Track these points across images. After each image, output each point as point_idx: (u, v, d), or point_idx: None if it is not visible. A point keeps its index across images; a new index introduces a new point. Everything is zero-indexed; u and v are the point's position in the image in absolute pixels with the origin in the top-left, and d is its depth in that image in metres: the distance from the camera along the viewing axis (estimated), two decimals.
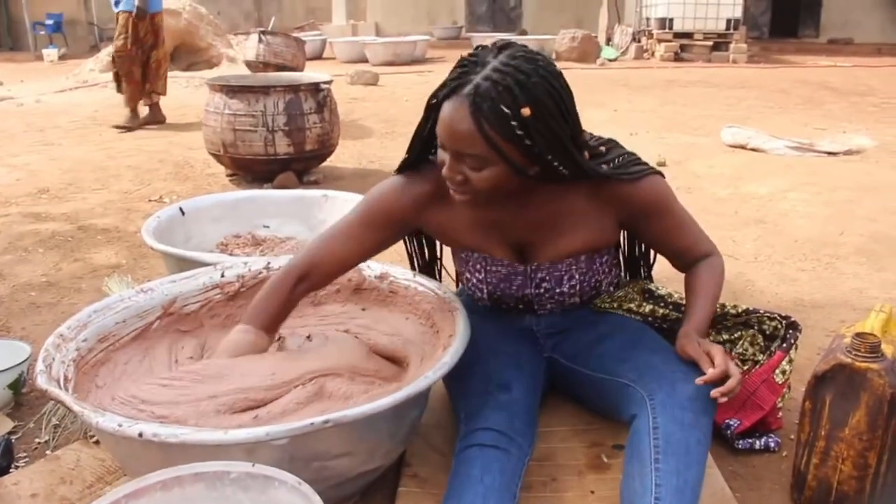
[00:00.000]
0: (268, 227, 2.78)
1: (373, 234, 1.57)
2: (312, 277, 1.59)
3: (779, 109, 6.64)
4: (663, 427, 1.34)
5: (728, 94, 7.52)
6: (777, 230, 3.31)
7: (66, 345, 1.51)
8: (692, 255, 1.62)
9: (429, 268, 1.92)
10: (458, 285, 1.94)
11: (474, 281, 1.65)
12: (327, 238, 1.60)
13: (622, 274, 1.86)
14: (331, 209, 2.77)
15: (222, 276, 1.88)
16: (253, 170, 4.00)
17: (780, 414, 1.73)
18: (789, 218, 3.47)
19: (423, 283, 1.79)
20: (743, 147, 4.96)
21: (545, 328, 1.70)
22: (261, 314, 1.56)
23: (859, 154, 4.77)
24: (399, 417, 1.41)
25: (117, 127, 5.59)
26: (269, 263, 1.92)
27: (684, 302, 1.78)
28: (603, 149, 1.54)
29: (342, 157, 4.57)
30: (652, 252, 1.82)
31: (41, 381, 1.34)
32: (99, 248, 3.09)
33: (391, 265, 1.88)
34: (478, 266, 1.62)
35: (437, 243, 1.88)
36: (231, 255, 2.49)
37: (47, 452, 1.68)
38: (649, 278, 1.88)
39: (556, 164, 1.37)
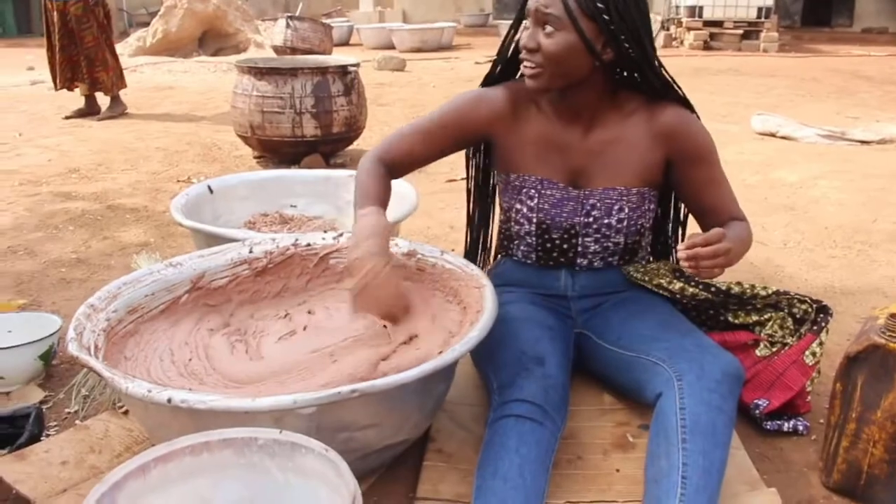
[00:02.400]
0: (295, 206, 2.78)
1: (446, 137, 1.67)
2: (392, 168, 1.70)
3: (810, 98, 6.54)
4: (690, 408, 1.33)
5: (758, 83, 7.41)
6: (807, 217, 3.26)
7: (96, 315, 1.53)
8: (723, 215, 1.64)
9: (482, 189, 1.94)
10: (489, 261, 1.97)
11: (524, 210, 1.66)
12: (404, 135, 1.71)
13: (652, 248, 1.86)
14: None
15: (250, 251, 1.89)
16: (280, 151, 4.02)
17: (810, 398, 1.70)
18: (820, 205, 3.42)
19: (450, 260, 1.78)
20: (773, 135, 4.88)
21: (579, 291, 1.71)
22: (374, 196, 1.61)
23: (894, 143, 4.68)
24: (426, 390, 1.41)
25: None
26: (296, 240, 1.92)
27: (714, 283, 1.77)
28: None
29: (369, 140, 4.57)
30: (680, 231, 1.82)
31: (72, 349, 1.35)
32: (128, 226, 3.12)
33: (419, 244, 1.88)
34: (532, 191, 1.64)
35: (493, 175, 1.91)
36: (258, 232, 2.50)
37: (77, 422, 1.70)
38: (676, 259, 1.87)
39: (628, 48, 1.46)
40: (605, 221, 1.62)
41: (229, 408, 1.18)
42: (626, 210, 1.62)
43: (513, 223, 1.71)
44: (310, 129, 3.89)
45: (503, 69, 1.70)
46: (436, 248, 1.85)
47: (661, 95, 1.59)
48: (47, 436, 1.65)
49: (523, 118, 1.64)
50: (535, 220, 1.66)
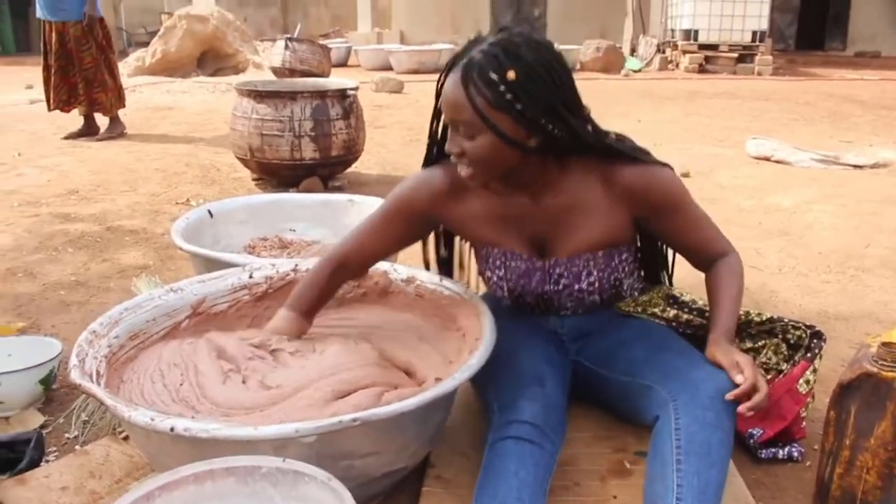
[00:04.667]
0: (294, 230, 2.81)
1: (395, 228, 1.65)
2: (348, 267, 1.70)
3: (804, 122, 6.60)
4: (685, 427, 1.34)
5: (753, 106, 7.48)
6: (801, 242, 3.29)
7: (98, 341, 1.54)
8: (709, 253, 1.63)
9: (446, 264, 1.92)
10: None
11: (495, 279, 1.66)
12: (358, 231, 1.69)
13: (642, 276, 1.86)
14: (357, 214, 2.79)
15: (250, 277, 1.91)
16: (279, 174, 4.04)
17: (804, 424, 1.72)
18: (814, 230, 3.45)
19: (449, 286, 1.81)
20: (767, 159, 4.93)
21: (569, 331, 1.71)
22: (301, 300, 1.67)
23: (886, 167, 4.73)
24: (426, 418, 1.42)
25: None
26: (296, 265, 1.95)
27: (708, 307, 1.78)
28: (613, 136, 1.55)
29: (367, 163, 4.61)
30: (670, 254, 1.82)
31: (75, 375, 1.37)
32: (127, 248, 3.13)
33: (418, 269, 1.90)
34: (497, 262, 1.63)
35: (456, 242, 1.90)
36: (258, 257, 2.51)
37: (77, 447, 1.70)
38: (670, 284, 1.88)
39: (552, 129, 1.40)
40: (576, 287, 1.61)
41: (232, 437, 1.19)
42: (596, 273, 1.60)
43: (488, 284, 1.72)
44: (308, 152, 3.92)
45: (438, 152, 1.62)
46: (434, 274, 1.88)
47: (611, 155, 1.51)
48: (47, 461, 1.65)
49: (467, 196, 1.59)
50: (506, 288, 1.66)
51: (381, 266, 1.90)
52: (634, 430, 1.69)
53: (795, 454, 1.67)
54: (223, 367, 1.54)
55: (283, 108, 3.84)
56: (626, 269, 1.66)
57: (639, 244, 1.78)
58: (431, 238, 1.87)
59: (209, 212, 2.61)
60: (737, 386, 1.36)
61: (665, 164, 1.56)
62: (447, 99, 1.41)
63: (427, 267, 1.93)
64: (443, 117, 1.49)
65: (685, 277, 1.86)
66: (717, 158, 4.95)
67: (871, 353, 1.38)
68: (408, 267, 1.92)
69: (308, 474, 1.06)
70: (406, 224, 1.65)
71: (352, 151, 4.13)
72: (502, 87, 1.35)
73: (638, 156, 1.53)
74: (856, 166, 4.71)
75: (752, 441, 1.67)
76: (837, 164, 4.75)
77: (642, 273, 1.84)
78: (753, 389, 1.34)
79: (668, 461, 1.31)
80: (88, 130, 5.40)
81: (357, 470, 1.36)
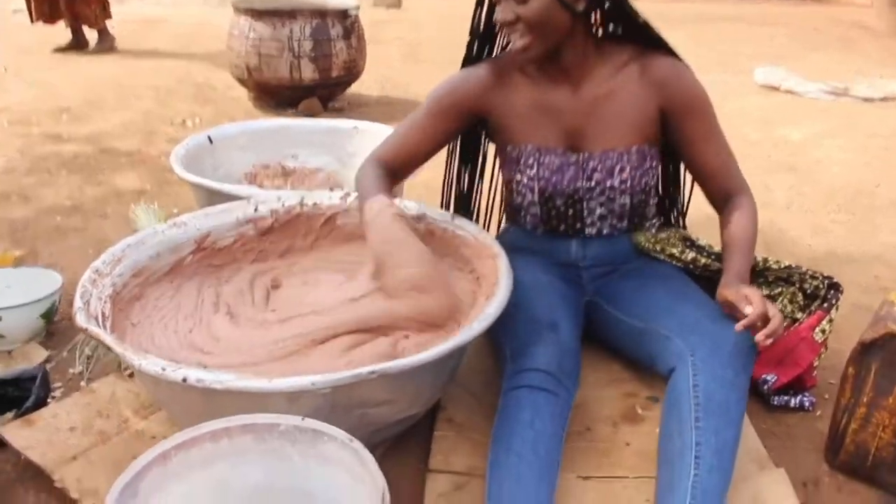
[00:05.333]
0: (296, 157, 2.73)
1: (439, 124, 1.65)
2: (394, 169, 1.68)
3: (812, 49, 6.43)
4: (704, 385, 1.33)
5: (759, 31, 7.27)
6: (811, 177, 3.24)
7: (102, 280, 1.50)
8: (725, 183, 1.60)
9: (465, 202, 1.91)
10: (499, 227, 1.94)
11: (525, 180, 1.64)
12: (401, 131, 1.69)
13: (660, 211, 1.84)
14: (361, 141, 2.72)
15: (255, 210, 1.85)
16: (277, 95, 3.92)
17: (816, 372, 1.71)
18: (823, 165, 3.39)
19: (461, 226, 1.75)
20: (776, 88, 4.82)
21: (591, 261, 1.69)
22: (375, 189, 1.58)
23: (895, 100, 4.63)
24: (440, 368, 1.39)
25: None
26: (302, 199, 1.88)
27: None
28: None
29: (366, 83, 4.47)
30: (687, 189, 1.80)
31: (80, 319, 1.32)
32: (122, 171, 3.05)
33: (428, 207, 1.84)
34: (531, 160, 1.61)
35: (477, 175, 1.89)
36: (260, 186, 2.45)
37: (82, 384, 1.68)
38: (684, 226, 1.85)
39: None
40: (609, 184, 1.59)
41: (246, 388, 1.16)
42: (629, 170, 1.59)
43: (515, 195, 1.69)
44: (308, 73, 3.80)
45: (479, 47, 1.68)
46: (446, 212, 1.82)
47: (648, 43, 1.55)
48: (53, 397, 1.63)
49: (511, 88, 1.61)
50: (537, 190, 1.63)
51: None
52: (645, 375, 1.69)
53: (807, 404, 1.66)
54: (234, 320, 1.52)
55: (281, 28, 3.69)
56: (654, 178, 1.66)
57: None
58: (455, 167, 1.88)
59: (209, 138, 2.52)
60: (745, 317, 1.33)
61: None
62: None
63: (446, 206, 1.89)
64: None
65: (693, 224, 1.82)
66: (725, 86, 4.82)
67: (895, 313, 1.36)
68: (418, 203, 1.86)
69: (328, 434, 1.04)
70: (449, 120, 1.65)
71: (352, 73, 4.00)
72: None
73: (672, 50, 1.56)
74: (865, 99, 4.61)
75: (765, 387, 1.66)
76: (847, 96, 4.65)
77: (661, 204, 1.82)
78: (764, 319, 1.32)
79: (686, 418, 1.30)
80: (77, 44, 5.20)
81: (370, 418, 1.35)
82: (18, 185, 2.85)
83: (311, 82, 3.83)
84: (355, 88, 4.30)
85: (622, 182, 1.59)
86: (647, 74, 1.54)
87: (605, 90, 1.56)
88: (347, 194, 1.87)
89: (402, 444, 1.52)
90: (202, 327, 1.53)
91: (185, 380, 1.17)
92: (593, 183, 1.60)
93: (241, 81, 3.95)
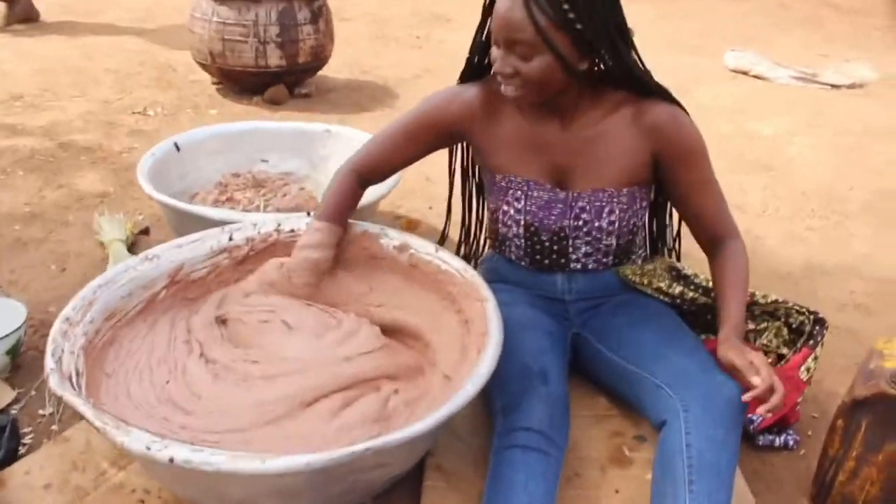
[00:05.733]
0: (266, 161, 2.65)
1: (420, 139, 1.63)
2: (374, 177, 1.71)
3: (780, 29, 6.44)
4: (696, 445, 1.32)
5: (728, 8, 7.25)
6: (784, 179, 3.24)
7: (73, 330, 1.42)
8: (715, 227, 1.58)
9: (465, 175, 1.87)
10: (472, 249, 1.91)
11: (512, 212, 1.60)
12: (380, 139, 1.67)
13: (646, 243, 1.81)
14: (334, 145, 2.65)
15: (230, 238, 1.78)
16: (242, 81, 3.79)
17: (799, 408, 1.72)
18: (796, 165, 3.40)
19: (446, 260, 1.71)
20: (745, 73, 4.82)
21: (577, 295, 1.66)
22: (330, 208, 1.66)
23: (863, 87, 4.67)
24: (434, 432, 1.36)
25: None
26: (279, 225, 1.82)
27: (711, 286, 1.74)
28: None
29: (333, 65, 4.33)
30: (674, 225, 1.77)
31: (54, 384, 1.26)
32: (83, 171, 2.92)
33: (411, 237, 1.79)
34: (518, 193, 1.57)
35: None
36: (231, 198, 2.37)
37: (53, 427, 1.62)
38: (676, 256, 1.83)
39: (604, 53, 1.39)
40: (596, 224, 1.56)
41: (237, 470, 1.12)
42: (618, 212, 1.55)
43: (501, 224, 1.65)
44: (274, 59, 3.67)
45: (477, 68, 1.62)
46: (429, 242, 1.77)
47: (647, 91, 1.50)
48: (24, 445, 1.56)
49: (498, 117, 1.57)
50: (523, 223, 1.60)
51: (371, 229, 1.79)
52: (630, 412, 1.68)
53: (791, 443, 1.68)
54: (211, 368, 1.45)
55: (246, 12, 3.55)
56: (643, 218, 1.64)
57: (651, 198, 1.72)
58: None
59: (175, 145, 2.43)
60: (752, 387, 1.32)
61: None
62: (504, 17, 1.35)
63: (442, 242, 1.85)
64: (494, 36, 1.40)
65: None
66: (695, 70, 4.81)
67: (887, 371, 1.36)
68: (400, 232, 1.81)
69: None
70: (432, 137, 1.63)
71: (320, 58, 3.88)
72: (566, 6, 1.31)
73: (671, 97, 1.51)
74: (833, 85, 4.63)
75: (752, 427, 1.67)
76: (815, 82, 4.67)
77: (648, 236, 1.80)
78: (770, 391, 1.31)
79: (679, 482, 1.30)
80: (27, 14, 4.93)
81: (363, 482, 1.32)
82: None
83: (278, 69, 3.70)
84: (322, 72, 4.17)
85: (610, 224, 1.56)
86: (642, 119, 1.49)
87: (594, 131, 1.52)
88: None
89: (387, 497, 1.48)
90: (179, 378, 1.47)
91: (171, 460, 1.12)
92: (580, 223, 1.56)
93: (204, 67, 3.80)
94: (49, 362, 1.30)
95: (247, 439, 1.29)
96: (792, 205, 2.99)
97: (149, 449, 1.13)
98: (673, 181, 1.55)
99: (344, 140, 2.63)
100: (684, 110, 1.52)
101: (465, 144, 1.80)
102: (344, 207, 1.68)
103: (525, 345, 1.51)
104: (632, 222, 1.59)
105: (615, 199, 1.54)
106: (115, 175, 2.89)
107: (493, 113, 1.57)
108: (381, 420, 1.35)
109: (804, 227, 2.81)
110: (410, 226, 2.63)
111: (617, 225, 1.56)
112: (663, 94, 1.50)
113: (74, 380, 1.32)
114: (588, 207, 1.54)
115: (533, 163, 1.56)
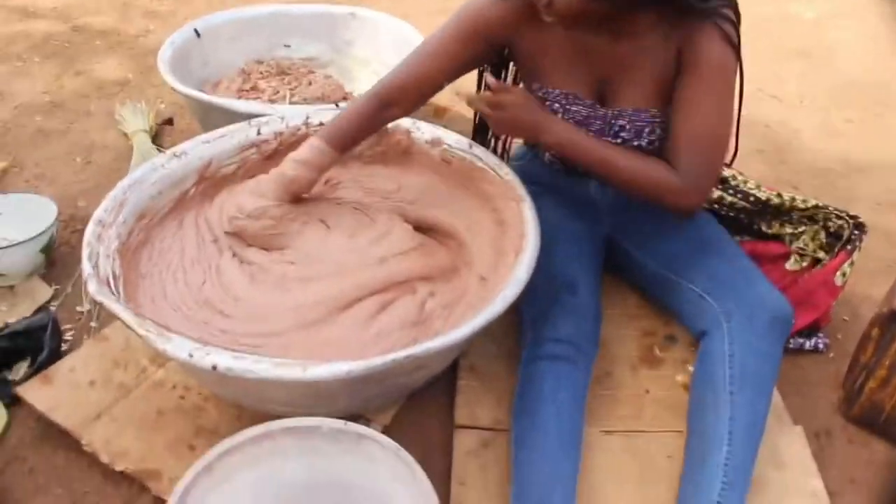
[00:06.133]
0: (289, 46, 2.57)
1: (464, 48, 1.47)
2: (401, 102, 1.52)
3: None
4: (739, 356, 1.32)
5: None
6: (823, 66, 3.11)
7: (106, 232, 1.41)
8: (677, 148, 1.38)
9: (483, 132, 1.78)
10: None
11: None
12: (415, 57, 1.50)
13: None
14: (358, 29, 2.56)
15: (258, 133, 1.75)
16: None
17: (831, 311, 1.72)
18: (835, 52, 3.25)
19: (480, 156, 1.67)
20: None
21: (611, 202, 1.62)
22: (335, 130, 1.51)
23: None
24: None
25: None
26: (307, 118, 1.78)
27: (753, 190, 1.70)
28: None
29: None
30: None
31: (93, 290, 1.25)
32: (100, 56, 2.84)
33: (444, 130, 1.74)
34: (556, 105, 1.49)
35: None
36: (255, 87, 2.31)
37: (92, 324, 1.64)
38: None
39: None
40: (635, 144, 1.47)
41: (279, 377, 1.13)
42: (658, 131, 1.45)
43: None
44: None
45: None
46: (463, 137, 1.73)
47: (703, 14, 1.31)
48: (65, 342, 1.59)
49: (543, 24, 1.40)
50: None
51: (403, 123, 1.74)
52: (661, 311, 1.68)
53: (821, 346, 1.67)
54: (247, 269, 1.45)
55: None
56: None
57: None
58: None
59: (196, 31, 2.35)
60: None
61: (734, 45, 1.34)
62: None
63: (475, 136, 1.78)
64: None
65: None
66: None
67: None
68: (433, 125, 1.76)
69: (372, 438, 1.02)
70: (475, 45, 1.48)
71: None
72: None
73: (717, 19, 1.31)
74: None
75: None
76: None
77: None
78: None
79: (720, 389, 1.30)
80: None
81: (401, 384, 1.34)
82: None
83: None
84: None
85: (650, 143, 1.47)
86: (675, 33, 1.34)
87: (643, 44, 1.37)
88: None
89: (418, 398, 1.49)
90: (214, 279, 1.46)
91: (215, 367, 1.13)
92: (619, 141, 1.47)
93: None
94: (86, 267, 1.30)
95: (285, 344, 1.30)
96: (830, 94, 2.88)
97: (191, 356, 1.14)
98: (676, 92, 1.38)
99: (369, 24, 2.54)
100: (735, 43, 1.33)
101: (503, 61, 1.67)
102: (349, 131, 1.52)
103: (555, 253, 1.48)
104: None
105: (657, 121, 1.44)
106: (133, 61, 2.81)
107: (537, 19, 1.40)
108: (418, 324, 1.35)
109: (842, 119, 2.71)
110: (438, 113, 2.55)
111: (656, 145, 1.47)
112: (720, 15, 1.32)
113: (112, 284, 1.33)
114: (628, 126, 1.45)
115: (575, 74, 1.46)
